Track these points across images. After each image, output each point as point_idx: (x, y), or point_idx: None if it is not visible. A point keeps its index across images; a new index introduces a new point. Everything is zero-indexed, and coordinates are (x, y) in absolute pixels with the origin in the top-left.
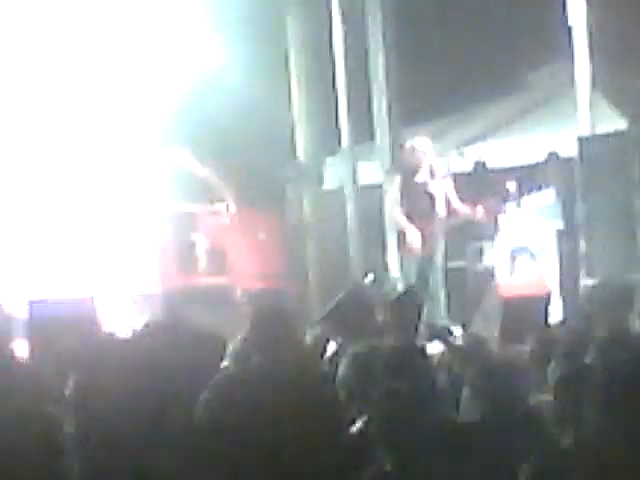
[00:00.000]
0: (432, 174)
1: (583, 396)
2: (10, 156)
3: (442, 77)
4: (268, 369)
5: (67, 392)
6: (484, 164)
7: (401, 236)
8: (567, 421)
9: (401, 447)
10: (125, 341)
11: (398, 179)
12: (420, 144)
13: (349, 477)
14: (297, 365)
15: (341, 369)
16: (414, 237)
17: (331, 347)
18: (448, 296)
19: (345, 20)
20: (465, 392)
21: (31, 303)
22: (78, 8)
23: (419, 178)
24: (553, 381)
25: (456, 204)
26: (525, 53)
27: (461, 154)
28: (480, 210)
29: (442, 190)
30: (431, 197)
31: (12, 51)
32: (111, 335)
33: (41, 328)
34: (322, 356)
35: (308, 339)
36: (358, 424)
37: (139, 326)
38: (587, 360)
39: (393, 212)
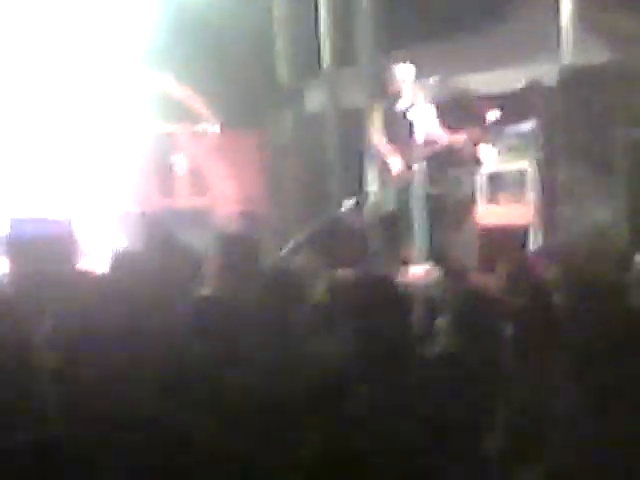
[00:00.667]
0: (413, 101)
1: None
2: None
3: (427, 4)
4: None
5: (45, 326)
6: (466, 92)
7: (382, 162)
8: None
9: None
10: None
11: (380, 106)
12: (402, 71)
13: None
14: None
15: (317, 294)
16: (395, 164)
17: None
18: (429, 224)
19: None
20: (442, 322)
21: (11, 221)
22: None
23: (400, 105)
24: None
25: (436, 131)
26: None
27: (443, 81)
28: (460, 138)
29: (423, 117)
30: (411, 124)
31: None
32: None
33: (20, 246)
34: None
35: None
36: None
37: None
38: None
39: (375, 139)
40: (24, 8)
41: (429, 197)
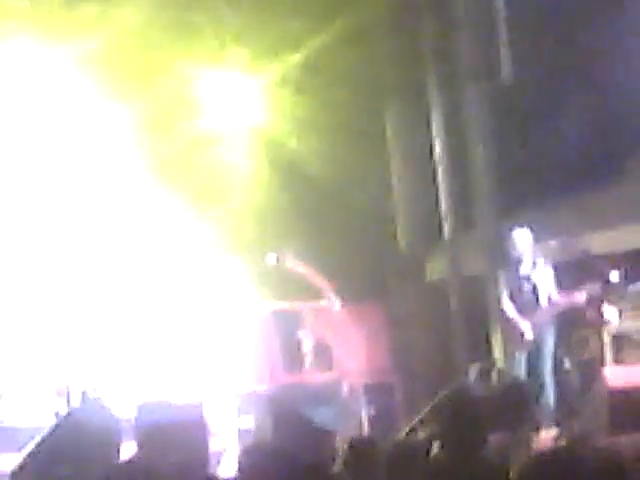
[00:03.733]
0: (534, 264)
1: None
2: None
3: (541, 167)
4: None
5: None
6: (587, 252)
7: (510, 327)
8: None
9: None
10: None
11: (503, 272)
12: (521, 235)
13: None
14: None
15: None
16: (525, 328)
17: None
18: (558, 386)
19: (443, 111)
20: None
21: (139, 406)
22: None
23: (522, 269)
24: None
25: (554, 294)
26: (621, 139)
27: (564, 242)
28: (579, 297)
29: (545, 279)
30: (534, 287)
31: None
32: None
33: (149, 431)
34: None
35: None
36: None
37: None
38: None
39: (503, 304)
40: None
41: (556, 359)
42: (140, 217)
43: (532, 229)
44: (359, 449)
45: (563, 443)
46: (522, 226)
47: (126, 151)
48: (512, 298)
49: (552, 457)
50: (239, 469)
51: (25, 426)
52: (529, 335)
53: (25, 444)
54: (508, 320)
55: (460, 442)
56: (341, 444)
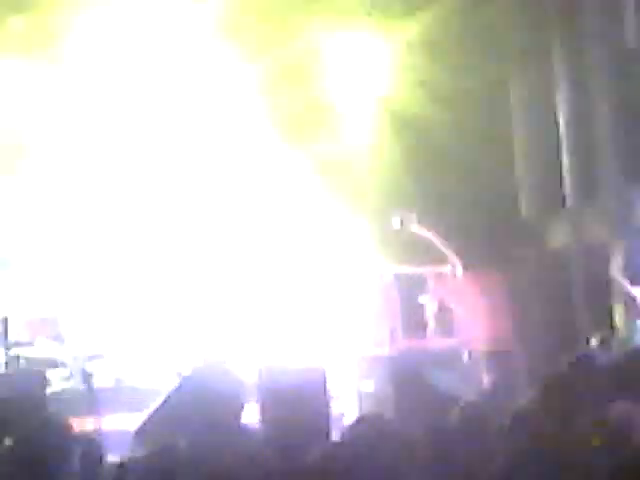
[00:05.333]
0: None
1: None
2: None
3: None
4: None
5: None
6: None
7: (628, 297)
8: None
9: None
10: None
11: (622, 242)
12: None
13: None
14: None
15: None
16: None
17: None
18: None
19: (569, 80)
20: None
21: (261, 370)
22: None
23: None
24: None
25: None
26: None
27: None
28: None
29: None
30: None
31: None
32: None
33: (271, 395)
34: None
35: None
36: None
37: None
38: None
39: (618, 277)
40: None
41: None
42: (261, 179)
43: None
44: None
45: None
46: None
47: (250, 113)
48: (632, 267)
49: None
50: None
51: (147, 386)
52: None
53: (147, 404)
54: (625, 290)
55: (580, 411)
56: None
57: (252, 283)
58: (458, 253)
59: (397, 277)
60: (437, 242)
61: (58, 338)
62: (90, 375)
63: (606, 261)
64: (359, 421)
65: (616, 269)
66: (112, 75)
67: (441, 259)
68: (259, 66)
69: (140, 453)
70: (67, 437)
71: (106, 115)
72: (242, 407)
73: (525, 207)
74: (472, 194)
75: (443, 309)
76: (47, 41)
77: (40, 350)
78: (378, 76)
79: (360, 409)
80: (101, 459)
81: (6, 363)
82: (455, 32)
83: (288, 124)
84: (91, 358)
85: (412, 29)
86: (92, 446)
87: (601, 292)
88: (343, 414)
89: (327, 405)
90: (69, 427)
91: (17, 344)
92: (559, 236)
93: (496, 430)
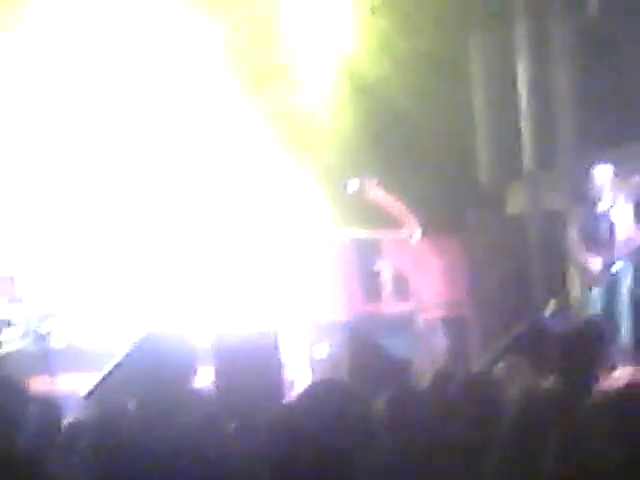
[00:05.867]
0: (613, 202)
1: None
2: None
3: (627, 102)
4: None
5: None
6: None
7: (583, 264)
8: None
9: None
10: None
11: (580, 209)
12: (602, 172)
13: None
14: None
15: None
16: (595, 265)
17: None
18: (633, 323)
19: (529, 47)
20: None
21: (215, 335)
22: None
23: (601, 207)
24: None
25: (632, 231)
26: None
27: None
28: None
29: (623, 217)
30: (612, 225)
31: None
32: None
33: (224, 359)
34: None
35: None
36: None
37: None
38: None
39: (573, 244)
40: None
41: (633, 295)
42: (220, 145)
43: (615, 166)
44: (441, 382)
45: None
46: (604, 163)
47: (209, 77)
48: (587, 235)
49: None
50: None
51: (100, 348)
52: (601, 273)
53: (100, 366)
54: (580, 256)
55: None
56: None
57: (205, 247)
58: (416, 218)
59: (354, 241)
60: (395, 207)
61: (15, 298)
62: (44, 335)
63: (562, 228)
64: (317, 385)
65: (572, 237)
66: (93, 69)
67: (398, 223)
68: (217, 30)
69: (91, 415)
70: (22, 397)
71: (88, 111)
72: (194, 372)
73: (483, 173)
74: (430, 159)
75: (399, 274)
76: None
77: None
78: (339, 38)
79: (314, 374)
80: (58, 420)
81: None
82: None
83: (249, 83)
84: (45, 317)
85: None
86: (48, 407)
87: (557, 259)
88: (294, 380)
89: (280, 370)
90: (24, 387)
91: None
92: (516, 202)
93: (454, 396)
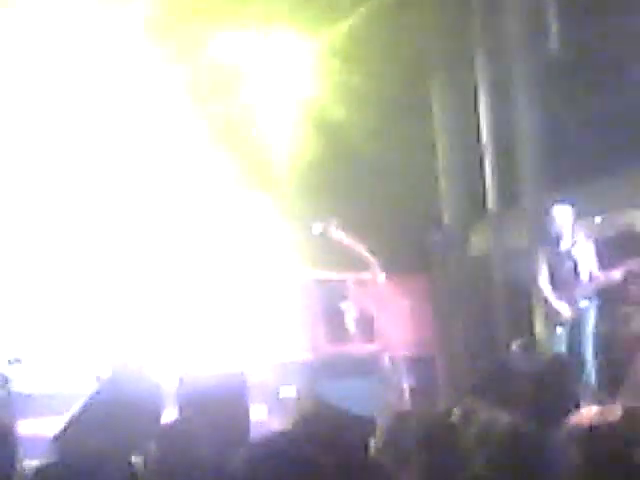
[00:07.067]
0: (574, 241)
1: None
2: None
3: (588, 142)
4: None
5: None
6: (631, 226)
7: (548, 303)
8: None
9: None
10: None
11: (543, 248)
12: (563, 211)
13: None
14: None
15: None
16: (560, 305)
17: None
18: (598, 362)
19: (491, 85)
20: None
21: (180, 376)
22: None
23: (562, 246)
24: None
25: (594, 270)
26: None
27: (608, 219)
28: (618, 274)
29: (585, 256)
30: (575, 263)
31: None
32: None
33: (190, 400)
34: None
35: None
36: None
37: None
38: None
39: (539, 281)
40: None
41: (598, 335)
42: (185, 184)
43: (575, 205)
44: (403, 422)
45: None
46: (563, 202)
47: (172, 118)
48: (551, 274)
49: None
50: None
51: (65, 391)
52: (565, 313)
53: (66, 409)
54: (545, 295)
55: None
56: (383, 417)
57: (172, 287)
58: (380, 259)
59: (318, 282)
60: (358, 248)
61: None
62: (7, 380)
63: (526, 267)
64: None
65: (537, 275)
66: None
67: (362, 265)
68: (178, 72)
69: (58, 458)
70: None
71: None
72: (160, 412)
73: (447, 212)
74: (394, 199)
75: (364, 315)
76: None
77: None
78: (298, 79)
79: (281, 415)
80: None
81: None
82: (375, 37)
83: (209, 131)
84: (10, 363)
85: (334, 33)
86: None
87: (521, 298)
88: (261, 420)
89: (247, 411)
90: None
91: None
92: (480, 241)
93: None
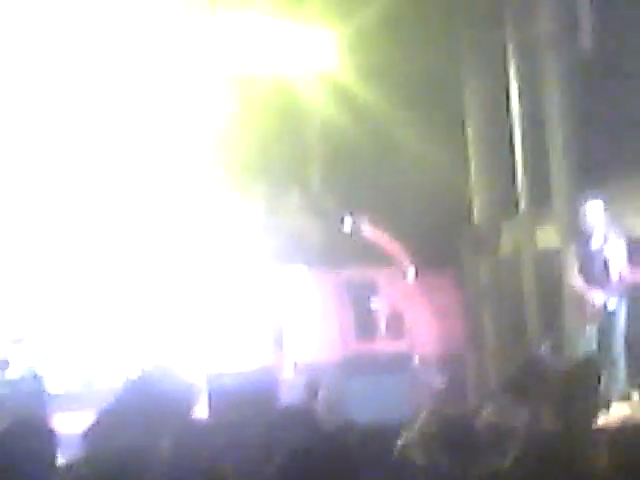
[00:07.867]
0: (605, 239)
1: None
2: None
3: (620, 141)
4: None
5: None
6: None
7: (579, 302)
8: None
9: None
10: None
11: (574, 246)
12: (594, 209)
13: None
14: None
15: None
16: (596, 300)
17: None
18: (628, 361)
19: (522, 84)
20: None
21: (210, 375)
22: None
23: (594, 244)
24: None
25: (623, 269)
26: None
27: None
28: None
29: (616, 254)
30: (605, 262)
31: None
32: None
33: (219, 399)
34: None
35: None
36: None
37: None
38: None
39: (571, 279)
40: None
41: (628, 334)
42: (204, 180)
43: (608, 202)
44: (433, 420)
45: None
46: (595, 199)
47: (191, 100)
48: (582, 272)
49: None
50: None
51: (95, 388)
52: (597, 309)
53: (97, 406)
54: (578, 294)
55: (533, 414)
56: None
57: (200, 287)
58: (410, 256)
59: (348, 280)
60: (389, 245)
61: (15, 338)
62: (41, 377)
63: (558, 266)
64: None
65: (570, 274)
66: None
67: (393, 262)
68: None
69: (87, 455)
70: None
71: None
72: (190, 410)
73: (478, 212)
74: (425, 197)
75: (394, 312)
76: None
77: None
78: (325, 63)
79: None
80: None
81: None
82: (406, 25)
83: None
84: (42, 358)
85: (360, 19)
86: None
87: (552, 297)
88: None
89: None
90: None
91: None
92: (511, 241)
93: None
